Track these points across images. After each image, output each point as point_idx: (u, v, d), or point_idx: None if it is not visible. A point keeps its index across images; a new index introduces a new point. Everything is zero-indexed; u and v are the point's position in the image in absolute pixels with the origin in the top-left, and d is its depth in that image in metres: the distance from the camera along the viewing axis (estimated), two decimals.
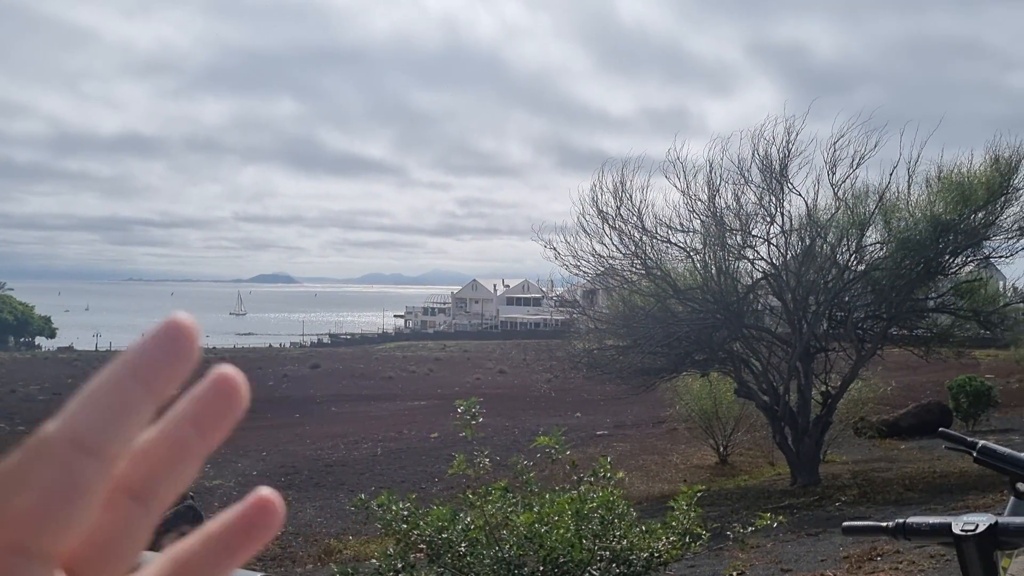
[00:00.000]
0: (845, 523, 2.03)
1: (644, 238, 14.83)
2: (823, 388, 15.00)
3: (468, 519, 5.42)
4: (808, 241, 14.54)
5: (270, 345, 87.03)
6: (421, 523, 5.06)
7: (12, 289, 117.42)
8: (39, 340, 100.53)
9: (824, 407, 14.72)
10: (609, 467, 5.33)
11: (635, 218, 14.84)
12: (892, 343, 15.83)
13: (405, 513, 5.09)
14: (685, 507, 5.33)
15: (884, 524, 1.93)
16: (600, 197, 14.99)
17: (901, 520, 1.90)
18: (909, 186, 14.08)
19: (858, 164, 13.91)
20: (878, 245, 14.74)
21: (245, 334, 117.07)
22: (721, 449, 18.67)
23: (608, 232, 15.02)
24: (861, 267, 14.80)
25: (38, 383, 40.64)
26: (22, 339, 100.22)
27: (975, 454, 2.31)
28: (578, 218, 15.29)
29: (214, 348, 75.93)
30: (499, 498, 5.50)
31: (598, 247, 15.28)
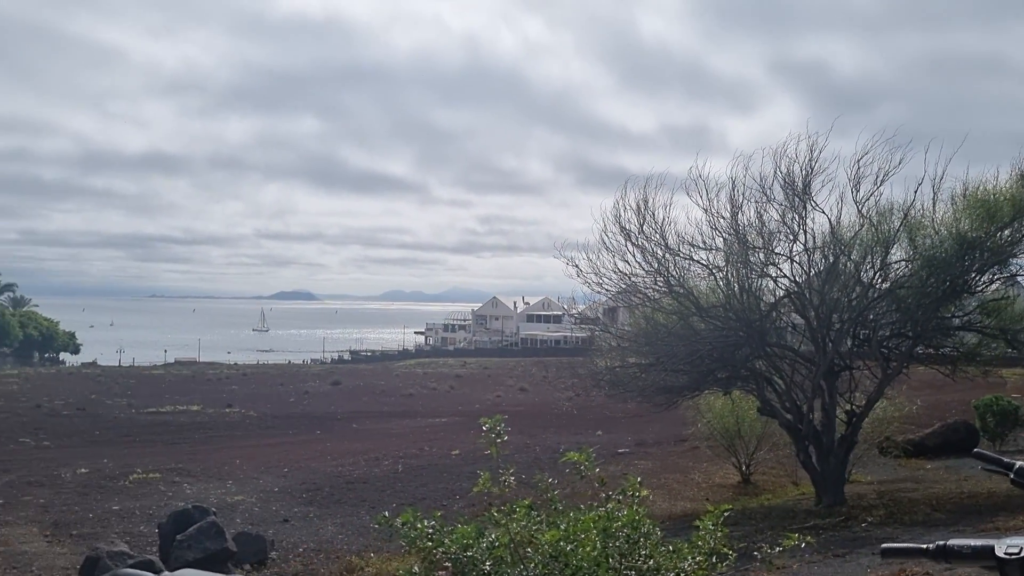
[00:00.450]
0: (884, 545, 2.01)
1: (667, 255, 14.78)
2: (848, 407, 14.86)
3: (493, 537, 5.40)
4: (832, 259, 14.43)
5: (288, 361, 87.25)
6: (446, 541, 5.04)
7: (37, 305, 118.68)
8: (64, 356, 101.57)
9: (849, 426, 14.58)
10: (638, 485, 5.30)
11: (657, 235, 14.79)
12: (918, 362, 15.65)
13: (430, 531, 5.09)
14: (712, 526, 5.28)
15: (924, 547, 1.91)
16: (623, 215, 14.96)
17: (942, 542, 1.88)
18: (934, 203, 13.95)
19: (882, 181, 13.81)
20: (903, 263, 14.61)
21: (266, 351, 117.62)
22: (744, 468, 18.53)
23: (630, 249, 14.99)
24: (886, 285, 14.66)
25: (62, 398, 40.97)
26: (47, 354, 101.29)
27: (1012, 475, 2.29)
28: (600, 235, 15.27)
29: (235, 364, 76.30)
30: (524, 516, 5.49)
31: (620, 264, 15.24)
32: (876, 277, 14.52)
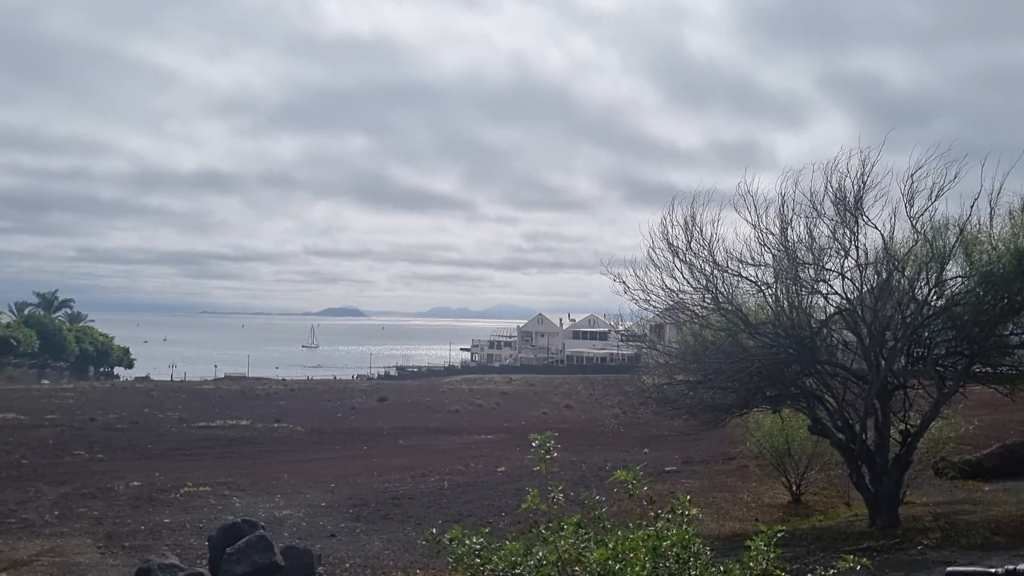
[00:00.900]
0: (949, 568, 1.95)
1: (715, 272, 14.64)
2: (902, 427, 14.53)
3: (541, 555, 5.36)
4: (885, 275, 14.16)
5: (335, 377, 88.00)
6: (494, 558, 5.02)
7: (93, 321, 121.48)
8: (118, 370, 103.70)
9: (903, 446, 14.25)
10: (688, 504, 5.23)
11: (705, 252, 14.66)
12: (975, 381, 15.26)
13: (478, 548, 5.07)
14: (764, 547, 5.19)
15: (993, 570, 1.85)
16: (670, 231, 14.87)
17: (1011, 567, 1.82)
18: (991, 218, 13.63)
19: (937, 196, 13.52)
20: (959, 279, 14.29)
21: (314, 366, 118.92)
22: (794, 488, 18.19)
23: (678, 266, 14.87)
24: (941, 302, 14.34)
25: (116, 412, 41.79)
26: (102, 369, 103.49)
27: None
28: (647, 252, 15.18)
29: (284, 380, 77.20)
30: (572, 533, 5.44)
31: (668, 281, 15.12)
32: (931, 294, 14.20)
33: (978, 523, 13.13)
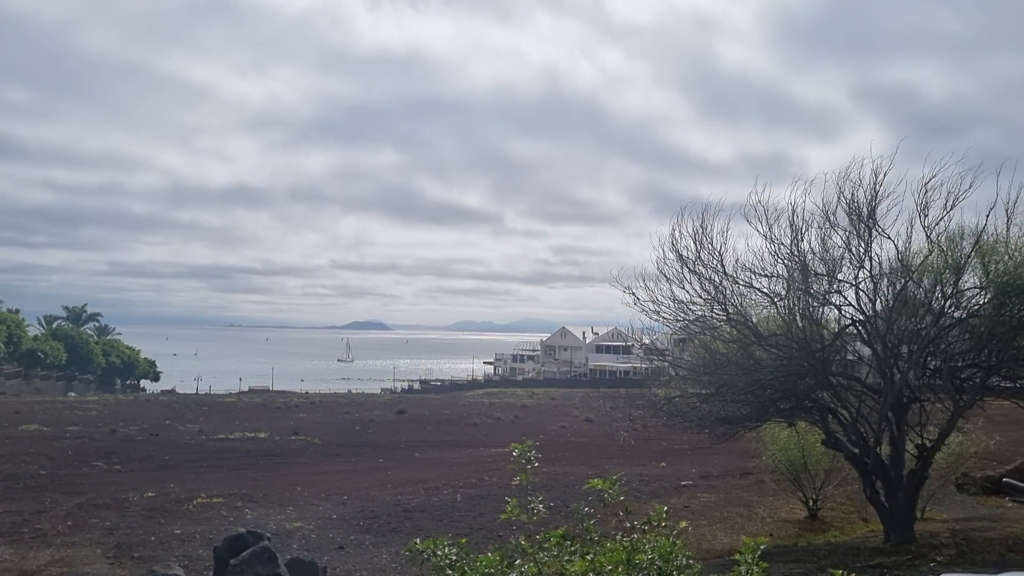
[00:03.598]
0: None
1: (725, 283, 14.46)
2: (918, 441, 14.24)
3: (524, 567, 5.24)
4: (899, 286, 13.92)
5: (348, 391, 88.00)
6: (467, 569, 4.91)
7: (120, 334, 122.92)
8: (144, 383, 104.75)
9: (919, 461, 13.95)
10: (665, 515, 5.08)
11: (716, 262, 14.49)
12: (993, 394, 14.92)
13: (452, 558, 4.96)
14: (749, 561, 5.03)
15: None
16: (679, 241, 14.70)
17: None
18: (1008, 227, 13.36)
19: (952, 206, 13.25)
20: (976, 290, 14.00)
21: (340, 379, 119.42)
22: (810, 503, 17.89)
23: (687, 277, 14.70)
24: (958, 313, 14.06)
25: (137, 424, 42.05)
26: (128, 381, 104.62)
27: None
28: (657, 263, 15.03)
29: (306, 393, 77.46)
30: (555, 545, 5.32)
31: (678, 292, 14.94)
32: (947, 305, 13.92)
33: (995, 540, 12.82)
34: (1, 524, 17.42)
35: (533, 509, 5.36)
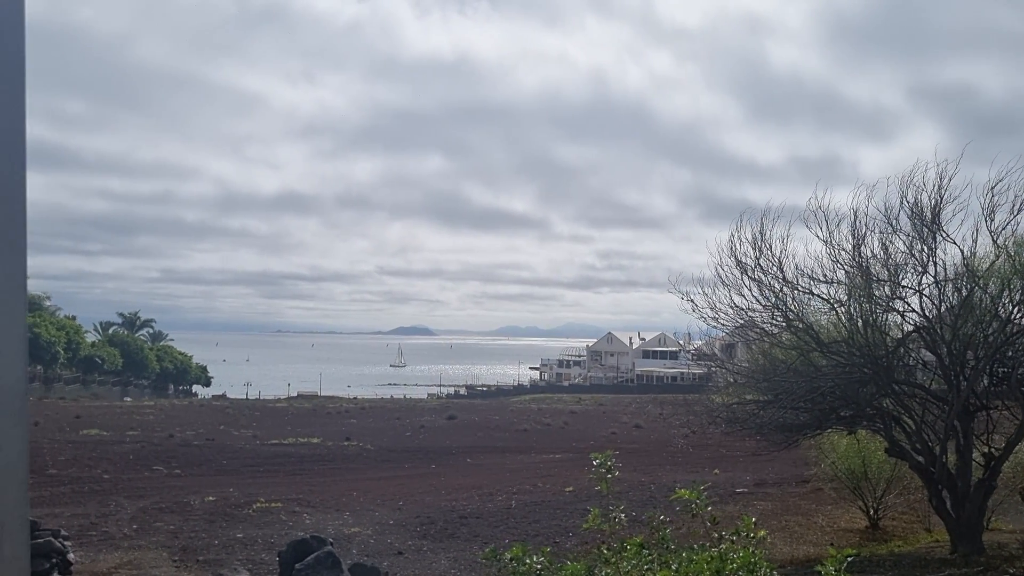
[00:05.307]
0: None
1: (784, 289, 14.34)
2: (985, 449, 13.96)
3: (604, 575, 5.28)
4: (965, 292, 13.67)
5: (391, 396, 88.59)
6: None
7: (173, 340, 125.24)
8: (196, 388, 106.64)
9: (987, 470, 13.68)
10: (752, 525, 5.09)
11: (775, 269, 14.37)
12: None
13: (539, 568, 5.02)
14: (834, 572, 5.01)
15: None
16: (739, 247, 14.61)
17: None
18: None
19: (1020, 210, 13.02)
20: None
21: (386, 384, 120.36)
22: (871, 512, 17.62)
23: (747, 283, 14.59)
24: None
25: (193, 429, 42.80)
26: (180, 387, 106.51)
27: None
28: (716, 269, 14.95)
29: (355, 398, 78.21)
30: (634, 555, 5.35)
31: (737, 299, 14.84)
32: (1015, 311, 13.65)
33: None
34: (70, 527, 17.87)
35: (614, 518, 5.39)
